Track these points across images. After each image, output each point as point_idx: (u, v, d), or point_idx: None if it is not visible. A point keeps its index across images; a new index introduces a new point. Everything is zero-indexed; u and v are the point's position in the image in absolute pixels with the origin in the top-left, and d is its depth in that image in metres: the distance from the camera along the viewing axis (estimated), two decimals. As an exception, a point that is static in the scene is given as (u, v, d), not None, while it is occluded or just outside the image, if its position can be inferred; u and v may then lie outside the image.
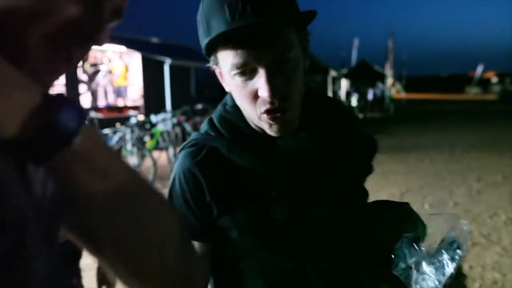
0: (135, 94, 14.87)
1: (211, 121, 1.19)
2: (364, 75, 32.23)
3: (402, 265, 1.01)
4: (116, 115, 13.26)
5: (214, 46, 1.03)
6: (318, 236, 1.13)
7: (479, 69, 67.68)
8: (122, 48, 14.11)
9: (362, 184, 1.26)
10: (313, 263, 1.12)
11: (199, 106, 13.97)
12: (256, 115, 1.06)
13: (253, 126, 1.14)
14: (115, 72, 14.28)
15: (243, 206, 1.12)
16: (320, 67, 28.37)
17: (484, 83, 67.25)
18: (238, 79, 1.03)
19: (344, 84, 33.59)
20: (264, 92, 1.00)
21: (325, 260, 1.12)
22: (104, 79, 13.85)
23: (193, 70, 17.53)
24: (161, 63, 15.55)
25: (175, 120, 10.24)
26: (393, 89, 43.33)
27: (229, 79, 1.06)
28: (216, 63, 1.07)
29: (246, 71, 1.01)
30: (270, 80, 0.99)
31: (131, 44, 14.99)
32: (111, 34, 0.58)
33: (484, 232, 5.61)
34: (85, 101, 13.13)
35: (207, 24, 1.01)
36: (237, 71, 1.01)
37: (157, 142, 9.56)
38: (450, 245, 0.99)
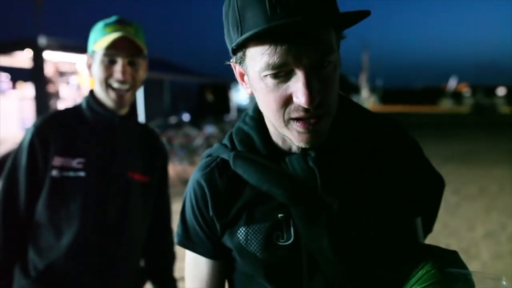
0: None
1: (231, 132, 1.12)
2: (339, 87, 32.47)
3: None
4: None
5: (246, 42, 0.88)
6: (323, 273, 0.98)
7: (452, 81, 68.96)
8: (94, 60, 13.80)
9: (401, 225, 1.04)
10: None
11: (173, 120, 13.73)
12: (283, 121, 0.93)
13: (274, 138, 1.04)
14: (85, 84, 13.95)
15: (244, 225, 1.02)
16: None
17: (457, 96, 68.48)
18: (270, 81, 0.90)
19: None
20: (301, 98, 0.87)
21: None
22: (74, 92, 13.50)
23: (167, 83, 17.29)
24: (134, 76, 15.27)
25: (147, 134, 9.98)
26: (369, 101, 43.78)
27: (256, 80, 0.93)
28: (240, 61, 0.95)
29: (281, 72, 0.88)
30: (309, 85, 0.87)
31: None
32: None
33: (463, 247, 5.51)
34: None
35: (239, 14, 0.88)
36: (271, 72, 0.88)
37: (129, 157, 9.30)
38: None
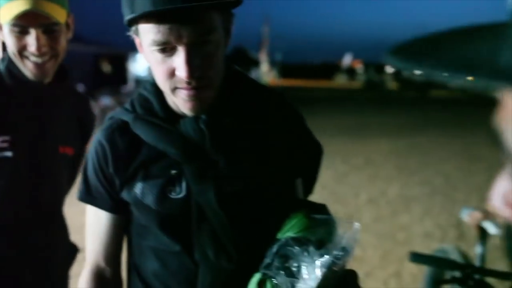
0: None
1: (132, 97, 1.23)
2: (239, 62, 32.81)
3: (277, 264, 1.03)
4: None
5: (137, 20, 1.03)
6: (210, 222, 1.12)
7: (347, 58, 71.98)
8: None
9: (281, 182, 1.21)
10: (200, 249, 1.13)
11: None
12: (170, 90, 1.07)
13: (170, 103, 1.16)
14: None
15: (141, 182, 1.14)
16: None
17: (351, 72, 71.61)
18: (158, 55, 1.04)
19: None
20: (181, 72, 1.02)
21: (213, 248, 1.12)
22: None
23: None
24: None
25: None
26: (269, 75, 44.57)
27: (147, 53, 1.07)
28: (137, 34, 1.08)
29: (167, 48, 1.02)
30: (189, 61, 1.01)
31: None
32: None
33: (348, 212, 5.95)
34: None
35: None
36: (157, 47, 1.02)
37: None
38: (336, 248, 1.01)
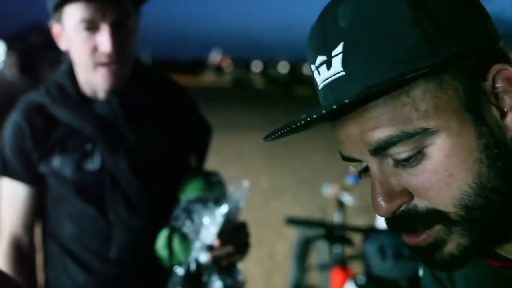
0: None
1: (47, 82, 1.35)
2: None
3: (184, 217, 1.21)
4: None
5: (64, 2, 1.16)
6: (123, 188, 1.28)
7: (216, 54, 72.87)
8: None
9: (180, 155, 1.41)
10: (114, 211, 1.28)
11: None
12: (92, 66, 1.21)
13: (84, 88, 1.30)
14: None
15: (59, 155, 1.28)
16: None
17: (219, 69, 72.56)
18: (83, 33, 1.18)
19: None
20: (106, 46, 1.18)
21: (126, 209, 1.28)
22: None
23: None
24: None
25: None
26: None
27: (72, 34, 1.20)
28: (59, 20, 1.22)
29: (91, 27, 1.18)
30: (113, 36, 1.18)
31: None
32: None
33: (222, 202, 6.13)
34: None
35: None
36: (83, 25, 1.17)
37: None
38: (230, 202, 1.20)
